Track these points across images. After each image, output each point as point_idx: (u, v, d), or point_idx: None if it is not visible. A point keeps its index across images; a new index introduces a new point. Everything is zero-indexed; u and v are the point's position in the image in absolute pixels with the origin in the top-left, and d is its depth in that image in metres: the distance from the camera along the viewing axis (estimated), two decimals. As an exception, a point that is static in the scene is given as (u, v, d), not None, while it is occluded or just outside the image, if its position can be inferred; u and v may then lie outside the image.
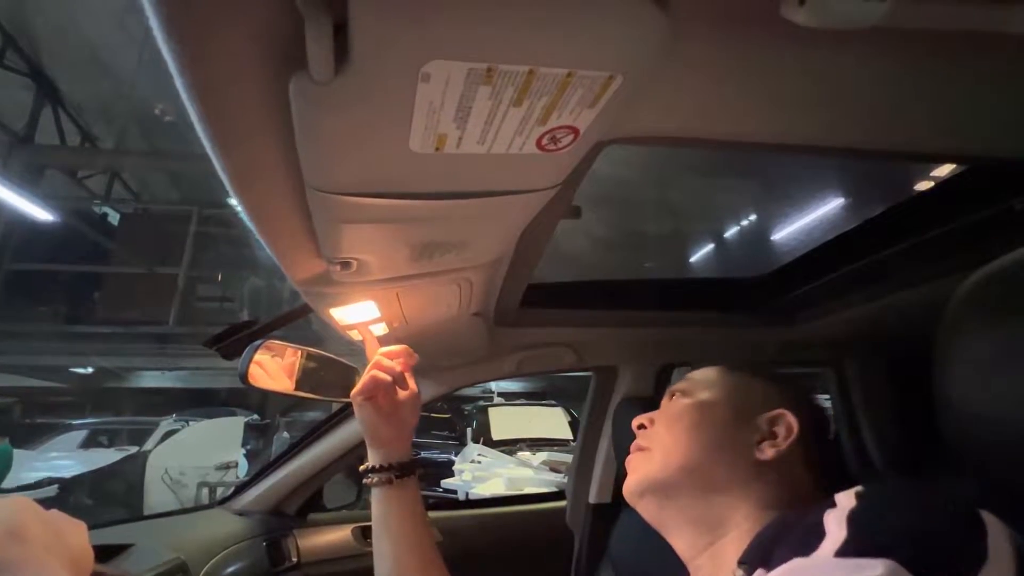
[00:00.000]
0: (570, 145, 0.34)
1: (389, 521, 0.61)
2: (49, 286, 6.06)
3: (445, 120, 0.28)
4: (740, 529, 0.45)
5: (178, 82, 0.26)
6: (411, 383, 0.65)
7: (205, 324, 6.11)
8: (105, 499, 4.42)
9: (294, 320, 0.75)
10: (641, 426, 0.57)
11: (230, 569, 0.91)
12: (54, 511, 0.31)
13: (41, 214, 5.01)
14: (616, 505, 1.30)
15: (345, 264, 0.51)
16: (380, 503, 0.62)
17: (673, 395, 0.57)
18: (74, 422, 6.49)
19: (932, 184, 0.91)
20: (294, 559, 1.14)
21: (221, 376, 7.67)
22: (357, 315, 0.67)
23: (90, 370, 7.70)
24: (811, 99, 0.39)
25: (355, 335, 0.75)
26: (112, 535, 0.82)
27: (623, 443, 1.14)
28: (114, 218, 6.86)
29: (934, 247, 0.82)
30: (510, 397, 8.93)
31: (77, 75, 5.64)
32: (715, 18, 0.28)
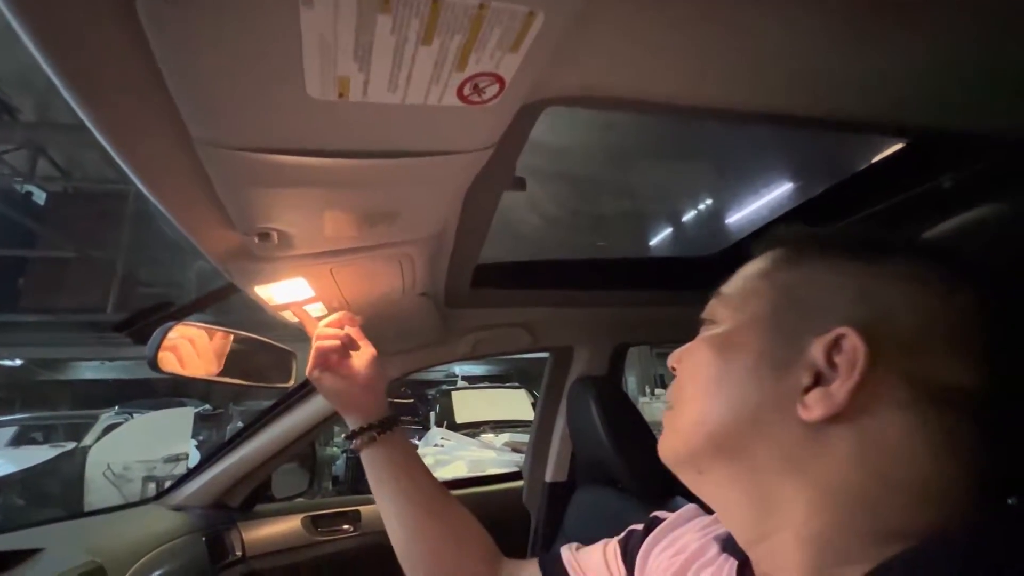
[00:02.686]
0: (496, 97, 0.30)
1: (384, 479, 0.59)
2: (-36, 272, 5.53)
3: (344, 59, 0.25)
4: (800, 529, 0.30)
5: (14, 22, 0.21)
6: (363, 343, 0.62)
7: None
8: (40, 500, 4.14)
9: (216, 301, 0.69)
10: (674, 368, 0.41)
11: (162, 569, 0.85)
12: None
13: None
14: (571, 483, 1.32)
15: (264, 235, 0.46)
16: (371, 465, 0.60)
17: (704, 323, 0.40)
18: (1, 418, 6.00)
19: (866, 164, 0.94)
20: (238, 553, 1.09)
21: (168, 366, 7.26)
22: (288, 294, 0.63)
23: (18, 362, 7.13)
24: (741, 61, 0.37)
25: (290, 316, 0.70)
26: (20, 540, 0.74)
27: (577, 422, 1.14)
28: (40, 197, 6.30)
29: (869, 224, 0.84)
30: (474, 380, 8.95)
31: (-12, 38, 5.08)
32: None
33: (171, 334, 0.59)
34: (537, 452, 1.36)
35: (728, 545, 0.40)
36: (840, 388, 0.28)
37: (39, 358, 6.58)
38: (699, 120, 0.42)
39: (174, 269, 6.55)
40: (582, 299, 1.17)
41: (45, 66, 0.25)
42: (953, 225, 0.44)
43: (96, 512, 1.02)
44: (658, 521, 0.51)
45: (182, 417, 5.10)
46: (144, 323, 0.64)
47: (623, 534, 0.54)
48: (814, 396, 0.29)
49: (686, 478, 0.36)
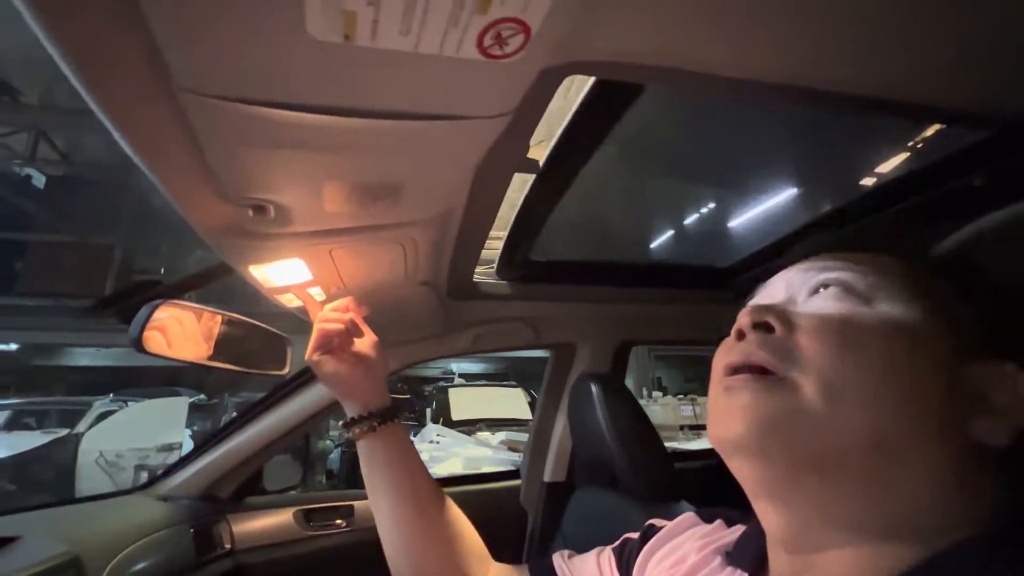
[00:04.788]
0: (520, 51, 0.27)
1: (380, 472, 0.57)
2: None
3: (350, -11, 0.21)
4: (911, 543, 0.27)
5: None
6: (366, 331, 0.60)
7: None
8: (31, 485, 4.11)
9: (208, 281, 0.66)
10: (762, 324, 0.32)
11: (146, 561, 0.82)
12: None
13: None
14: (570, 484, 1.29)
15: (258, 208, 0.43)
16: (367, 456, 0.57)
17: (818, 289, 0.33)
18: (-7, 403, 5.96)
19: (893, 164, 0.91)
20: (227, 546, 1.06)
21: (164, 354, 7.23)
22: (285, 276, 0.60)
23: (13, 347, 7.09)
24: (792, 32, 0.34)
25: (288, 300, 0.67)
26: (-2, 526, 0.71)
27: (579, 420, 1.11)
28: (39, 181, 6.25)
29: (894, 225, 0.81)
30: (471, 378, 8.92)
31: (-8, 19, 5.04)
32: None
33: (157, 313, 0.55)
34: (536, 451, 1.33)
35: (734, 558, 0.38)
36: (1020, 417, 0.27)
37: (35, 343, 6.53)
38: (738, 96, 0.39)
39: (173, 257, 6.51)
40: (587, 295, 1.14)
41: (21, 7, 0.22)
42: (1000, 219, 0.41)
43: (80, 500, 0.99)
44: (655, 529, 0.49)
45: (176, 406, 5.07)
46: (130, 301, 0.61)
47: (618, 542, 0.53)
48: (997, 423, 0.28)
49: (779, 473, 0.29)
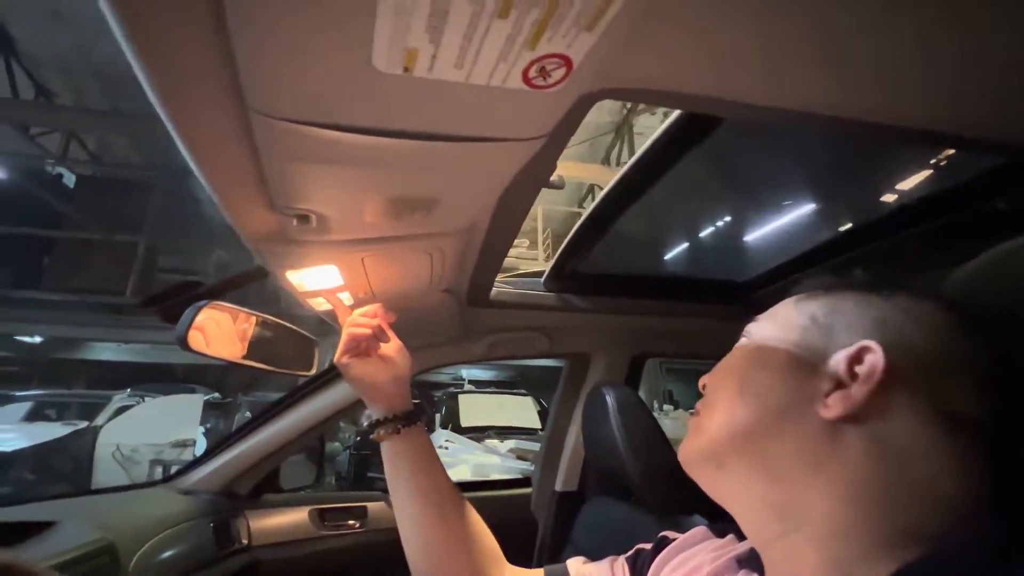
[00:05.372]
0: (561, 82, 0.29)
1: (403, 474, 0.59)
2: (-8, 246, 5.65)
3: (416, 29, 0.24)
4: (817, 528, 0.32)
5: None
6: (392, 336, 0.62)
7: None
8: (49, 475, 4.21)
9: (246, 283, 0.69)
10: (704, 386, 0.44)
11: (170, 552, 0.84)
12: None
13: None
14: (581, 494, 1.29)
15: (302, 218, 0.45)
16: (391, 457, 0.59)
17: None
18: (17, 393, 6.12)
19: (913, 183, 0.91)
20: (244, 541, 1.09)
21: (180, 351, 7.39)
22: (318, 281, 0.62)
23: (38, 339, 7.28)
24: (818, 64, 0.36)
25: (317, 304, 0.70)
26: (35, 512, 0.74)
27: (593, 430, 1.12)
28: (70, 180, 6.46)
29: (915, 245, 0.82)
30: (481, 385, 8.92)
31: (34, 24, 5.24)
32: None
33: (200, 315, 0.58)
34: (548, 460, 1.34)
35: (747, 563, 0.41)
36: (859, 390, 0.31)
37: (57, 336, 6.71)
38: (763, 121, 0.41)
39: (194, 258, 6.66)
40: (603, 306, 1.15)
41: (112, 23, 0.24)
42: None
43: (106, 490, 1.02)
44: (667, 541, 0.51)
45: (191, 404, 5.16)
46: (169, 301, 0.64)
47: (631, 552, 0.54)
48: (834, 397, 0.32)
49: (705, 476, 0.39)
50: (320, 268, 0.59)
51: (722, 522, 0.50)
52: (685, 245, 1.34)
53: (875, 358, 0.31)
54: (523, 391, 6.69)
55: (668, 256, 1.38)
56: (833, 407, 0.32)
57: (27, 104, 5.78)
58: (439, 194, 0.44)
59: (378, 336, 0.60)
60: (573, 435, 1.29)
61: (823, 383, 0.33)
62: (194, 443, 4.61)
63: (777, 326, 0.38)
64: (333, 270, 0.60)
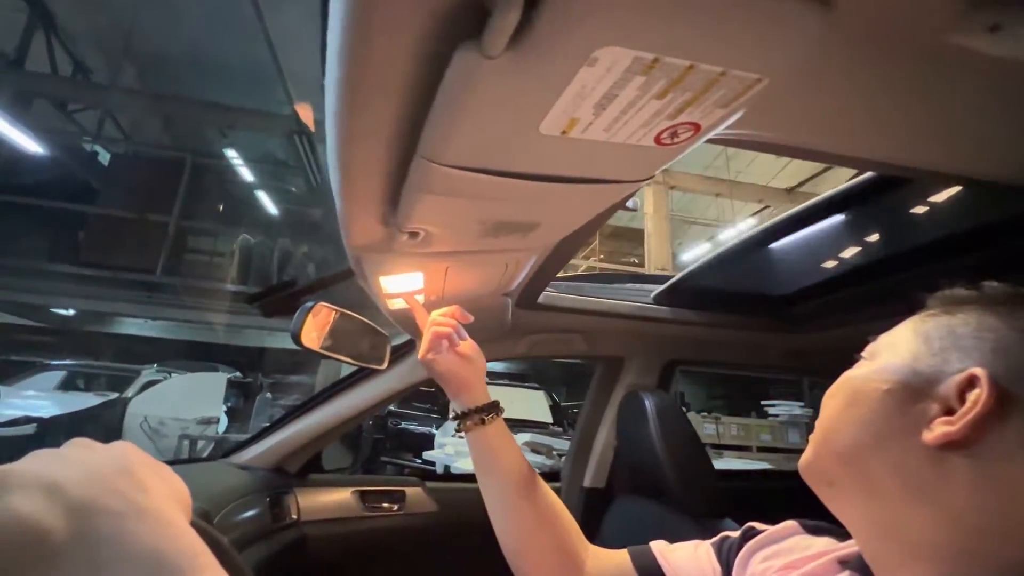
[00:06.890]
0: (684, 141, 0.34)
1: (491, 460, 0.64)
2: (30, 220, 5.85)
3: (586, 105, 0.29)
4: (923, 550, 0.33)
5: (332, 19, 0.25)
6: (465, 335, 0.68)
7: (194, 276, 6.01)
8: (81, 442, 4.38)
9: (335, 283, 0.75)
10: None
11: (237, 519, 0.92)
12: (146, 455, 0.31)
13: (29, 144, 4.82)
14: (609, 491, 1.34)
15: (413, 234, 0.51)
16: (479, 445, 0.65)
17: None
18: (52, 362, 6.37)
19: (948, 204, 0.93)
20: (294, 516, 1.16)
21: (204, 330, 7.59)
22: (402, 285, 0.68)
23: (71, 311, 7.54)
24: (939, 125, 0.39)
25: (392, 304, 0.75)
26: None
27: (629, 432, 1.17)
28: (104, 157, 6.64)
29: (951, 274, 0.84)
30: (494, 376, 9.00)
31: (74, 2, 5.38)
32: (871, 34, 0.28)
33: (309, 315, 0.64)
34: (578, 456, 1.39)
35: (851, 563, 0.42)
36: (961, 418, 0.32)
37: (90, 310, 6.94)
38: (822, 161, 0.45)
39: (219, 240, 6.83)
40: (639, 312, 1.19)
41: (330, 54, 0.28)
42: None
43: (174, 462, 1.10)
44: (754, 531, 0.54)
45: (216, 381, 5.32)
46: (272, 298, 0.70)
47: (716, 538, 0.57)
48: (937, 423, 0.33)
49: (819, 492, 0.40)
50: (406, 275, 0.65)
51: (813, 520, 0.51)
52: (727, 257, 1.36)
53: (983, 385, 0.31)
54: (535, 384, 6.73)
55: (710, 266, 1.41)
56: (935, 432, 0.32)
57: (66, 80, 5.95)
58: (540, 220, 0.49)
59: (458, 334, 0.65)
60: (603, 434, 1.35)
61: (931, 408, 0.34)
62: (218, 421, 4.76)
63: (893, 347, 0.39)
64: (418, 276, 0.65)
